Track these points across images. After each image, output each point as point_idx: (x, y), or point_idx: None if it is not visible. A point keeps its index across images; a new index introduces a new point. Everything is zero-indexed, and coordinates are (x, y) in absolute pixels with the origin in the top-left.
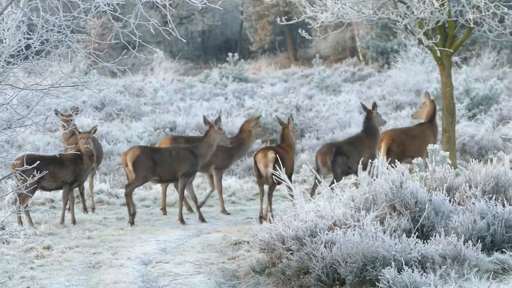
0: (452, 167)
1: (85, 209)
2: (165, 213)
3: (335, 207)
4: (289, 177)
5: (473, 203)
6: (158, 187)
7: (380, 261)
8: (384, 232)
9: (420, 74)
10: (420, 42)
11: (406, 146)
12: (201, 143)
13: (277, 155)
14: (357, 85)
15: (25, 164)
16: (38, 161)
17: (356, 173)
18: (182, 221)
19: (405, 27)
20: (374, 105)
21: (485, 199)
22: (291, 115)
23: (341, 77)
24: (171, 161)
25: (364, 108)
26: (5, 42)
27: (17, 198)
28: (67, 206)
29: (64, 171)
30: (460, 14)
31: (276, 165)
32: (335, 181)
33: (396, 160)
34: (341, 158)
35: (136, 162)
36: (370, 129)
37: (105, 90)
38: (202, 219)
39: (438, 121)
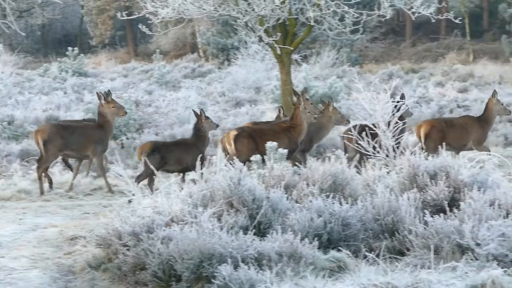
0: (290, 164)
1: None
2: None
3: (173, 203)
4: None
5: (311, 201)
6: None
7: (216, 257)
8: (221, 229)
9: (260, 71)
10: (260, 39)
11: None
12: None
13: (249, 134)
14: (197, 81)
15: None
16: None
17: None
18: None
19: (245, 24)
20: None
21: (322, 197)
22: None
23: (181, 73)
24: None
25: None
26: None
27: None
28: None
29: (189, 155)
30: (301, 12)
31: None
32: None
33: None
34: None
35: None
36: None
37: None
38: None
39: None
